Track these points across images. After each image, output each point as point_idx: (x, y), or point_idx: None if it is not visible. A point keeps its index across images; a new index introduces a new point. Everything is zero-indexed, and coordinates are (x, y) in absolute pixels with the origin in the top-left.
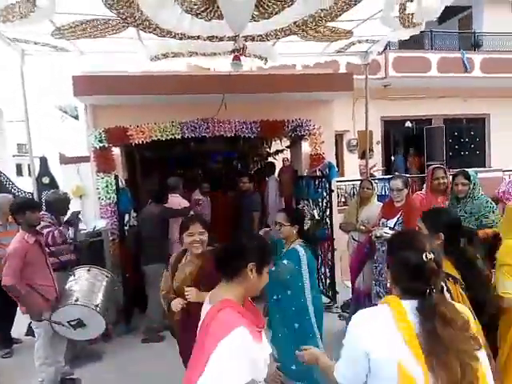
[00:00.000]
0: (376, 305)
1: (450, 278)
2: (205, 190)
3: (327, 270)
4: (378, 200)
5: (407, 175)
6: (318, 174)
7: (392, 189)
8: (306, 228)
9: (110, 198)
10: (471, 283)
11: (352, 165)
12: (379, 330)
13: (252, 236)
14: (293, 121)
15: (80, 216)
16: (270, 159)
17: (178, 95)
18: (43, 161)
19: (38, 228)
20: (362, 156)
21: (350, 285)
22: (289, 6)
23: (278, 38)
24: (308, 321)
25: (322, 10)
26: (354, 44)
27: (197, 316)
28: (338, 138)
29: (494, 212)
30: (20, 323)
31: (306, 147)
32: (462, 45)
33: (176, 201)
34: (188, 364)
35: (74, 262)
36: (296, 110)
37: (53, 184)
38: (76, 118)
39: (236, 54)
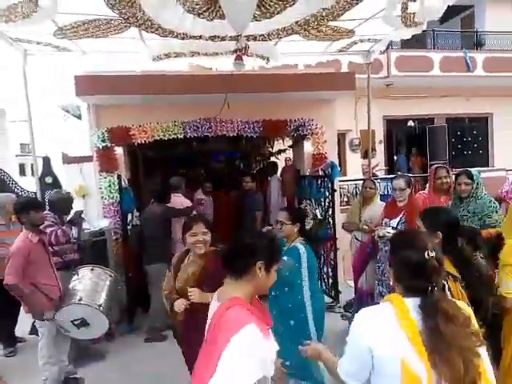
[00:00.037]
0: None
1: (450, 277)
2: (207, 189)
3: (330, 270)
4: (381, 199)
5: (410, 175)
6: (321, 173)
7: (395, 188)
8: (308, 228)
9: (112, 198)
10: (468, 282)
11: (354, 164)
12: (382, 328)
13: (261, 234)
14: (295, 120)
15: (83, 215)
16: (273, 159)
17: (181, 95)
18: (46, 160)
19: (41, 227)
20: (365, 155)
21: (352, 284)
22: (290, 6)
23: (279, 38)
24: (303, 319)
25: (323, 9)
26: (356, 43)
27: (200, 316)
28: (341, 137)
29: (497, 212)
30: (24, 322)
31: (308, 147)
32: (464, 44)
33: (178, 200)
34: (197, 363)
35: (78, 262)
36: (298, 110)
37: (56, 184)
38: (79, 117)
39: (238, 53)
